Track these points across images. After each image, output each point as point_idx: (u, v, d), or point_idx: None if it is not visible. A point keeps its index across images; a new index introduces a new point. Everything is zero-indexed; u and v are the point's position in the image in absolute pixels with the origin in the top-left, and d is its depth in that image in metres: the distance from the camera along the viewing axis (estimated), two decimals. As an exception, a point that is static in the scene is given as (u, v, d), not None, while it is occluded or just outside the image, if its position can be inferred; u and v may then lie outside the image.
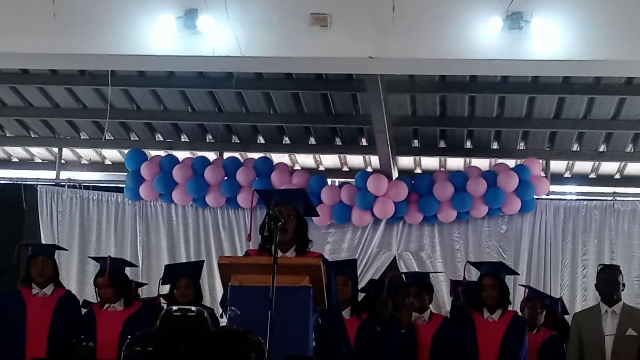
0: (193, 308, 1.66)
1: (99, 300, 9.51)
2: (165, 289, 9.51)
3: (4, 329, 9.13)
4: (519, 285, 10.84)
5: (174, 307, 1.65)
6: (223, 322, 7.82)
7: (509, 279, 9.75)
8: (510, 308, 9.44)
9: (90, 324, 9.12)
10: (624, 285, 9.01)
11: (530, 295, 10.06)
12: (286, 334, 6.37)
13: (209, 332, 1.44)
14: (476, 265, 10.05)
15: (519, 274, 10.90)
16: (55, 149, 13.05)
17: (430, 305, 9.55)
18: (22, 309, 9.21)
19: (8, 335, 9.02)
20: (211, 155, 12.46)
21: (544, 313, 9.87)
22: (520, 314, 9.76)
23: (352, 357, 7.81)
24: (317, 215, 8.73)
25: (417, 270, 11.64)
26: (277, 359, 5.67)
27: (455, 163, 12.56)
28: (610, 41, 7.69)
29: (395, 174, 11.93)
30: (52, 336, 8.97)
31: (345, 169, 12.93)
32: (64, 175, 12.96)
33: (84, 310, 9.61)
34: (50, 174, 13.04)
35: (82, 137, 12.73)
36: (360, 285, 10.56)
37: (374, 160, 12.12)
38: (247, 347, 1.48)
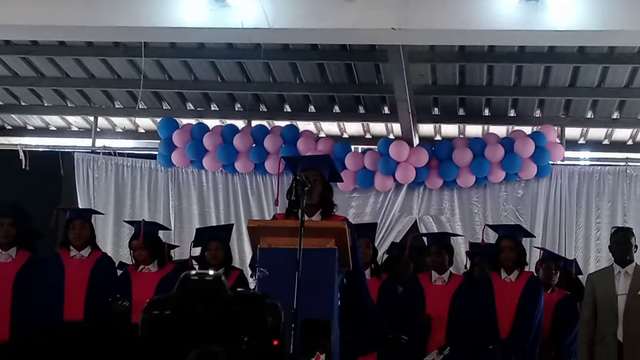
0: (211, 272, 1.66)
1: (133, 262, 9.56)
2: (197, 251, 9.54)
3: (44, 290, 9.18)
4: (534, 247, 10.85)
5: (192, 272, 1.64)
6: (252, 283, 7.83)
7: (525, 242, 9.75)
8: (526, 269, 9.47)
9: (125, 285, 9.18)
10: (636, 247, 8.99)
11: (545, 257, 10.08)
12: (312, 294, 6.38)
13: (226, 296, 1.43)
14: (494, 228, 10.05)
15: (535, 237, 10.89)
16: (91, 118, 13.08)
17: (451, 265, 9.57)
18: (61, 270, 9.27)
19: (47, 296, 9.08)
20: (240, 123, 12.48)
21: (558, 274, 9.89)
22: (535, 275, 9.77)
23: (376, 315, 7.84)
24: (341, 181, 8.72)
25: (437, 233, 11.66)
26: (303, 317, 5.69)
27: (473, 130, 12.54)
28: (625, 12, 7.64)
29: (416, 141, 11.91)
30: (89, 296, 9.04)
31: (368, 136, 12.92)
32: (100, 142, 13.00)
33: (119, 272, 9.67)
34: (86, 142, 13.09)
35: (116, 106, 12.76)
36: (383, 248, 10.59)
37: (396, 127, 12.10)
38: (264, 311, 1.47)
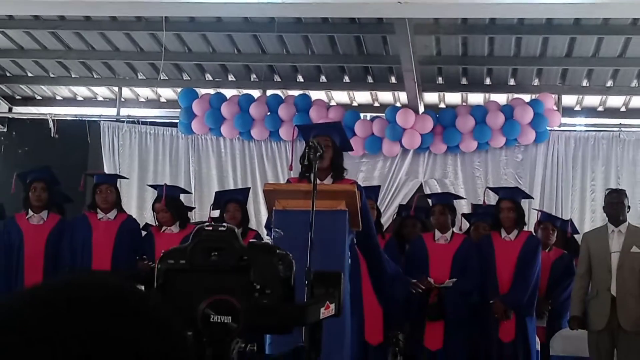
0: (224, 224, 1.66)
1: (157, 223, 9.61)
2: (216, 213, 9.57)
3: (73, 250, 9.25)
4: (533, 209, 10.87)
5: (206, 224, 1.64)
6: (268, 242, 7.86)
7: (524, 203, 9.77)
8: (525, 229, 9.50)
9: (149, 245, 9.24)
10: (629, 207, 9.03)
11: (543, 219, 10.12)
12: (324, 253, 6.41)
13: (239, 246, 1.44)
14: (495, 190, 10.08)
15: (533, 198, 10.93)
16: (116, 88, 13.09)
17: (454, 227, 9.60)
18: (89, 232, 9.33)
19: (76, 256, 9.14)
20: (255, 93, 12.48)
21: (555, 234, 9.93)
22: (534, 234, 9.80)
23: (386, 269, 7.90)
24: (351, 150, 8.76)
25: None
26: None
27: (475, 98, 12.51)
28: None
29: (421, 109, 11.90)
30: (115, 256, 9.09)
31: (376, 104, 12.92)
32: (124, 112, 13.02)
33: (143, 233, 9.71)
34: (111, 111, 13.11)
35: (139, 78, 12.76)
36: (391, 210, 10.63)
37: (402, 96, 12.10)
38: (275, 259, 1.47)
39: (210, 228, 1.60)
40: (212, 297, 1.45)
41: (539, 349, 9.48)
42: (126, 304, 1.17)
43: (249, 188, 10.62)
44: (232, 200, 9.44)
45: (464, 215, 10.36)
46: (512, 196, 9.51)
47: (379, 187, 10.53)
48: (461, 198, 10.59)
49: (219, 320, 1.43)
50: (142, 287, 1.61)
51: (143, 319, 1.16)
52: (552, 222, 10.08)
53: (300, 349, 1.63)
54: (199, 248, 1.58)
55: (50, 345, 1.11)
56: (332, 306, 1.63)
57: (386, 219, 10.95)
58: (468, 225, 10.18)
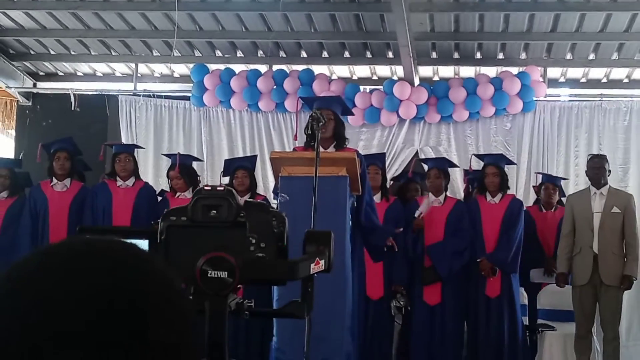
0: (223, 184, 1.66)
1: (171, 189, 9.62)
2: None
3: (95, 215, 9.29)
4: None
5: (206, 184, 1.65)
6: (275, 206, 7.87)
7: (513, 169, 9.80)
8: (509, 192, 9.55)
9: (165, 210, 9.24)
10: (609, 171, 9.04)
11: (544, 180, 10.13)
12: (327, 215, 6.43)
13: (236, 204, 1.45)
14: (480, 157, 10.10)
15: (516, 164, 10.96)
16: (132, 65, 13.06)
17: (446, 192, 9.61)
18: (109, 198, 9.36)
19: (98, 221, 9.17)
20: (262, 68, 12.44)
21: (557, 193, 9.95)
22: (533, 195, 9.87)
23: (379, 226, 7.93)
24: (352, 114, 8.75)
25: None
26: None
27: (467, 71, 12.47)
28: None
29: (416, 81, 11.87)
30: (134, 220, 9.12)
31: (374, 77, 12.88)
32: (140, 86, 12.99)
33: (159, 198, 9.73)
34: (128, 86, 13.08)
35: (154, 54, 12.73)
36: (389, 175, 10.63)
37: (399, 70, 12.06)
38: (269, 216, 1.49)
39: (209, 188, 1.61)
40: (209, 254, 1.46)
41: (527, 303, 9.53)
42: (129, 260, 1.16)
43: (256, 155, 10.63)
44: (240, 167, 9.46)
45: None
46: (497, 162, 9.55)
47: (384, 153, 10.54)
48: (455, 166, 10.58)
49: (216, 276, 1.45)
50: (147, 242, 1.62)
51: (145, 274, 1.15)
52: (552, 183, 10.09)
53: (295, 303, 1.65)
54: (199, 206, 1.59)
55: (54, 301, 1.10)
56: (322, 262, 1.64)
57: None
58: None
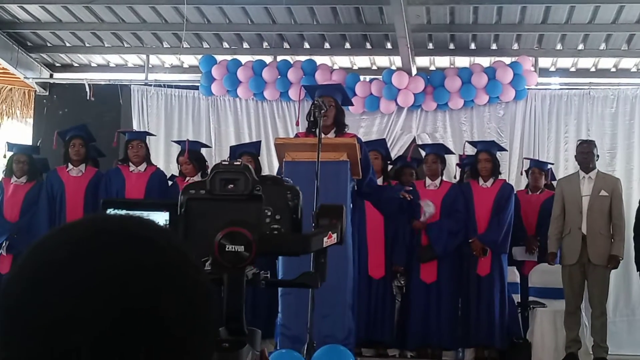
0: (239, 160, 1.67)
1: (181, 174, 9.63)
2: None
3: (108, 198, 9.27)
4: (524, 158, 10.91)
5: (223, 159, 1.65)
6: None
7: (505, 155, 9.82)
8: (500, 177, 9.58)
9: (176, 193, 9.22)
10: (597, 156, 9.04)
11: (532, 165, 10.17)
12: (329, 198, 6.42)
13: (252, 178, 1.47)
14: (473, 143, 10.13)
15: (507, 150, 10.96)
16: (144, 56, 13.04)
17: (443, 176, 9.63)
18: (122, 182, 9.37)
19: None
20: (267, 59, 12.42)
21: (544, 177, 9.99)
22: (523, 178, 9.90)
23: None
24: (352, 104, 8.75)
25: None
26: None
27: (462, 61, 12.44)
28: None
29: (414, 71, 11.85)
30: (146, 203, 9.11)
31: (374, 67, 12.85)
32: (152, 77, 12.97)
33: (170, 183, 9.74)
34: (140, 76, 13.06)
35: (164, 46, 12.71)
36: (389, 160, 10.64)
37: (397, 60, 12.03)
38: (284, 189, 1.51)
39: (227, 162, 1.63)
40: (227, 229, 1.48)
41: (520, 281, 9.56)
42: (148, 238, 1.15)
43: (260, 141, 10.67)
44: (245, 153, 9.46)
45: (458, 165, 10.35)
46: (489, 148, 9.58)
47: (384, 139, 10.54)
48: (451, 153, 10.58)
49: (233, 250, 1.46)
50: (168, 214, 1.64)
51: (162, 250, 1.14)
52: (539, 167, 10.15)
53: (308, 274, 1.66)
54: (217, 180, 1.61)
55: (74, 278, 1.09)
56: (334, 236, 1.65)
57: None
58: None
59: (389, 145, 11.67)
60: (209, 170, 9.02)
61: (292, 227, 1.65)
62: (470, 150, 10.13)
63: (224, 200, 1.62)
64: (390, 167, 10.17)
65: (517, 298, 9.43)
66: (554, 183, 10.07)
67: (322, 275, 1.69)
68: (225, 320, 1.45)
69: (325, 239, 1.66)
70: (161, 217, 1.51)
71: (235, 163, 1.66)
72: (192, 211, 1.64)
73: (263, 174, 8.79)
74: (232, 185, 1.64)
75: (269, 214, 1.63)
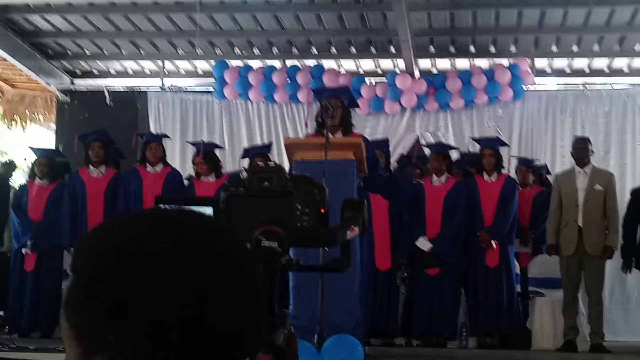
0: (273, 161, 1.77)
1: (196, 174, 9.64)
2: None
3: (127, 198, 9.32)
4: (511, 156, 10.89)
5: (259, 160, 1.72)
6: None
7: (503, 151, 9.81)
8: (503, 172, 9.57)
9: (191, 192, 9.27)
10: (592, 152, 9.03)
11: (521, 163, 10.17)
12: (337, 195, 6.41)
13: (284, 177, 1.57)
14: (477, 140, 10.13)
15: (509, 145, 10.93)
16: (160, 62, 13.05)
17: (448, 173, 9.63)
18: (140, 182, 9.39)
19: (130, 202, 9.21)
20: (277, 64, 12.44)
21: (531, 173, 10.00)
22: (513, 177, 9.87)
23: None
24: (358, 106, 8.76)
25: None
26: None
27: (462, 63, 12.43)
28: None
29: (417, 74, 11.85)
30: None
31: (379, 71, 12.84)
32: (167, 82, 13.00)
33: (186, 182, 9.75)
34: (156, 82, 13.09)
35: (179, 53, 12.73)
36: (394, 158, 10.64)
37: (401, 63, 12.03)
38: (311, 186, 1.61)
39: (262, 163, 1.75)
40: (263, 227, 1.63)
41: (519, 272, 9.55)
42: (205, 231, 1.21)
43: (271, 143, 10.71)
44: (257, 154, 9.48)
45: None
46: (492, 144, 9.58)
47: (387, 139, 10.53)
48: (455, 148, 10.57)
49: (268, 245, 1.61)
50: (211, 209, 1.75)
51: (219, 244, 1.21)
52: (527, 165, 10.18)
53: (336, 259, 1.79)
54: (254, 178, 1.73)
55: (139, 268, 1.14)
56: (357, 228, 1.79)
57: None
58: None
59: (393, 144, 11.72)
60: (222, 170, 9.07)
61: (319, 220, 1.80)
62: (472, 148, 10.12)
63: (259, 196, 1.77)
64: (397, 166, 10.19)
65: (517, 288, 9.42)
66: (549, 178, 10.07)
67: (348, 262, 1.82)
68: None
69: (348, 233, 1.79)
70: (205, 212, 1.64)
71: (269, 163, 1.83)
72: (233, 206, 1.78)
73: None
74: (266, 183, 1.77)
75: (299, 207, 1.76)
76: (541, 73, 12.30)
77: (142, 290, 1.11)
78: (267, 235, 1.63)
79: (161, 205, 1.72)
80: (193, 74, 13.39)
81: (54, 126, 13.47)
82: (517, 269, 9.56)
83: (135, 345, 1.11)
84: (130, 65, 13.41)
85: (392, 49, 12.06)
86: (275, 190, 1.75)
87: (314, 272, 6.47)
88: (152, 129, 12.36)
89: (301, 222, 1.75)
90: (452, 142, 11.47)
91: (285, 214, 1.73)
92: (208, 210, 1.74)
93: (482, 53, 12.07)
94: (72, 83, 13.40)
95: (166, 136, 10.77)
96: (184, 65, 13.27)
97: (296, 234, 1.70)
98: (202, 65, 13.19)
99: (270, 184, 1.75)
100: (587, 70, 12.43)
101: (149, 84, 13.13)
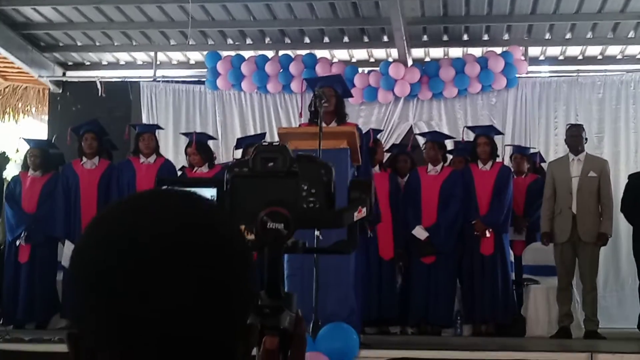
0: (278, 141, 1.76)
1: (189, 165, 9.64)
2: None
3: (120, 189, 9.32)
4: (506, 145, 10.90)
5: (264, 140, 1.73)
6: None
7: (498, 140, 9.82)
8: (498, 160, 9.58)
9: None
10: (586, 139, 9.05)
11: (515, 151, 10.19)
12: (331, 184, 6.44)
13: (289, 157, 1.56)
14: (472, 128, 10.13)
15: (503, 134, 10.93)
16: (152, 53, 13.04)
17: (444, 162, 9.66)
18: (133, 173, 9.39)
19: (123, 193, 9.20)
20: (269, 53, 12.43)
21: (526, 161, 10.01)
22: (508, 165, 9.89)
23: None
24: (352, 96, 8.76)
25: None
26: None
27: (455, 52, 12.44)
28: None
29: (410, 62, 11.85)
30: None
31: (371, 60, 12.85)
32: (160, 73, 12.98)
33: (179, 173, 9.75)
34: (149, 73, 13.08)
35: (171, 44, 12.71)
36: (386, 148, 10.64)
37: (394, 52, 12.03)
38: (317, 166, 1.60)
39: (267, 144, 1.72)
40: (269, 209, 1.60)
41: (513, 260, 9.58)
42: (200, 216, 1.24)
43: (265, 133, 10.68)
44: (251, 145, 9.47)
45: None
46: (487, 132, 9.58)
47: (379, 130, 10.55)
48: (450, 138, 10.58)
49: (273, 227, 1.59)
50: (215, 190, 1.75)
51: (216, 219, 1.25)
52: (521, 153, 10.20)
53: (342, 241, 1.78)
54: (258, 158, 1.72)
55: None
56: (364, 210, 1.77)
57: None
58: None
59: (387, 133, 11.72)
60: (215, 161, 9.06)
61: (326, 200, 1.78)
62: (466, 137, 10.13)
63: (264, 177, 1.74)
64: (389, 155, 10.20)
65: (512, 276, 9.46)
66: (543, 166, 10.10)
67: (354, 244, 1.81)
68: (265, 286, 1.57)
69: (355, 214, 1.77)
70: (209, 193, 1.65)
71: (274, 143, 1.79)
72: (237, 187, 1.76)
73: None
74: (271, 164, 1.75)
75: (305, 188, 1.74)
76: (534, 61, 12.33)
77: (127, 285, 1.14)
78: (273, 216, 1.61)
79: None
80: (185, 64, 13.38)
81: (46, 118, 13.45)
82: (512, 257, 9.59)
83: (118, 336, 1.14)
84: (123, 56, 13.39)
85: (385, 38, 12.06)
86: (280, 171, 1.74)
87: (309, 261, 6.49)
88: (145, 120, 12.35)
89: (307, 204, 1.74)
90: (445, 131, 11.50)
91: (291, 195, 1.71)
92: (212, 192, 1.74)
93: (475, 41, 12.08)
94: (64, 74, 13.39)
95: (159, 127, 10.77)
96: (176, 56, 13.26)
97: (302, 216, 1.70)
98: (195, 55, 13.18)
99: (275, 164, 1.74)
100: (581, 58, 12.47)
101: (141, 74, 13.12)
